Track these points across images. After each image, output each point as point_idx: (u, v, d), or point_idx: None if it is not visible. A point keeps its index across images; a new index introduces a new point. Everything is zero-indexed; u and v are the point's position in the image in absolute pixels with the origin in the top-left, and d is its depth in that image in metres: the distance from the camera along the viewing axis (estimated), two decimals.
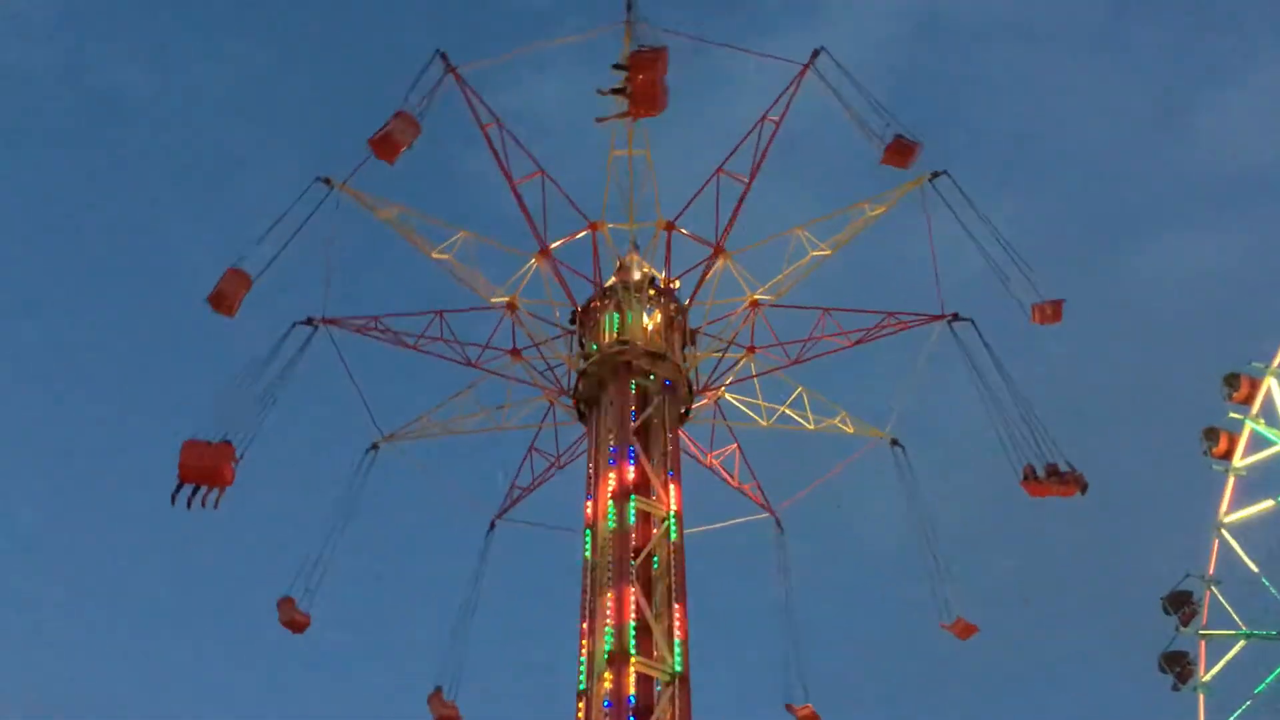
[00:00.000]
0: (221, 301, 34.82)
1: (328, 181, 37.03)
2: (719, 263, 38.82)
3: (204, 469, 33.08)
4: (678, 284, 38.93)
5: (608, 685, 31.19)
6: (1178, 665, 44.64)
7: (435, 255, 39.38)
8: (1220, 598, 44.15)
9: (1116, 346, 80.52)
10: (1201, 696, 43.58)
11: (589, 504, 35.13)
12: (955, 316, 38.45)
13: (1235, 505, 44.79)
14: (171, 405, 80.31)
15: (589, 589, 33.55)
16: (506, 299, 39.91)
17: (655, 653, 31.83)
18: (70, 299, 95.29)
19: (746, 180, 38.64)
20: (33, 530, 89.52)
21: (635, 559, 32.98)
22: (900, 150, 36.95)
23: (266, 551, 76.39)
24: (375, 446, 40.84)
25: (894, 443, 41.16)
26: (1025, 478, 38.52)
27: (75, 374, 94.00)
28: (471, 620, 39.26)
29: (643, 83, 32.80)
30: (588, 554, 34.37)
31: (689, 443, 39.75)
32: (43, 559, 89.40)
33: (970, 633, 40.24)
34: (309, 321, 38.07)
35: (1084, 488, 37.58)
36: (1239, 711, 42.87)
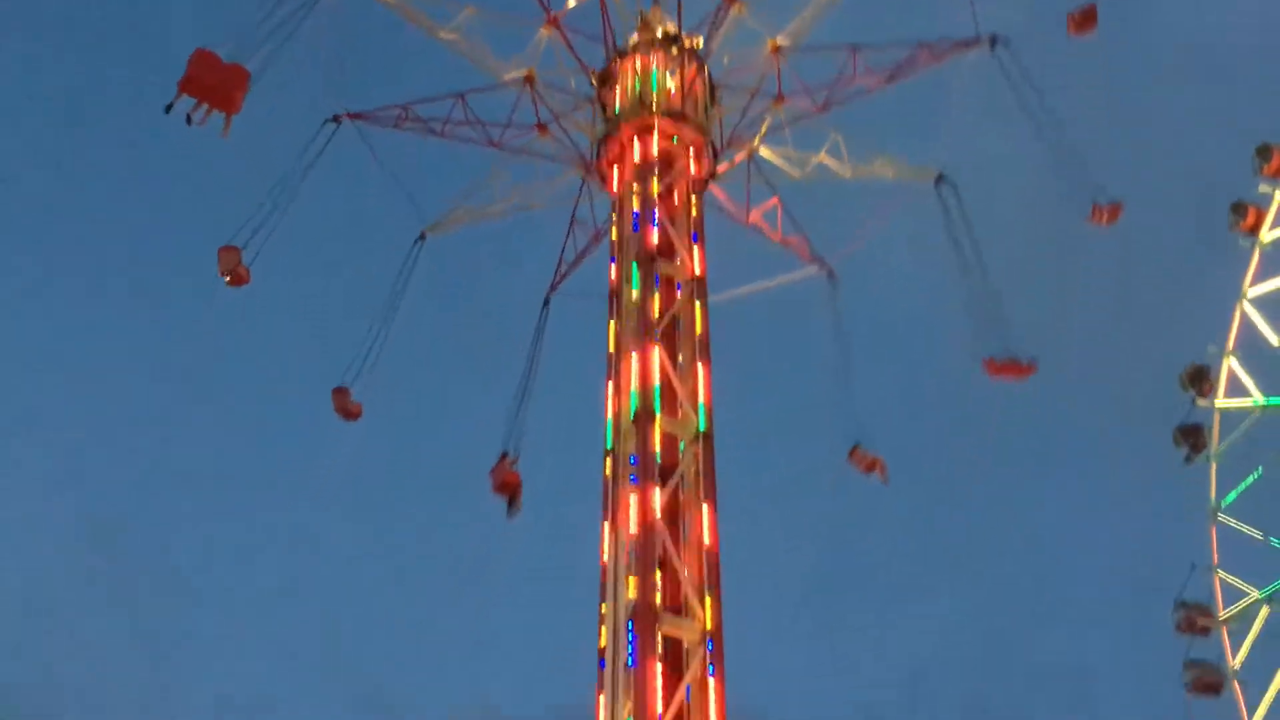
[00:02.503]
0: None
1: None
2: (735, 9, 37.28)
3: (212, 86, 30.64)
4: (700, 43, 37.59)
5: (632, 444, 31.60)
6: (1192, 438, 45.31)
7: (443, 35, 38.09)
8: (1239, 369, 44.45)
9: (1151, 102, 78.43)
10: (1214, 465, 44.42)
11: (613, 268, 34.94)
12: (994, 40, 37.27)
13: (1259, 278, 44.73)
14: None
15: (614, 352, 33.67)
16: (523, 73, 38.81)
17: (680, 412, 32.11)
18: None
19: None
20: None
21: (659, 321, 32.94)
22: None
23: (309, 342, 77.10)
24: (423, 237, 40.76)
25: (940, 179, 40.51)
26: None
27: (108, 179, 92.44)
28: (530, 391, 39.67)
29: None
30: (612, 321, 34.35)
31: (726, 202, 39.12)
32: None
33: (875, 466, 40.79)
34: (335, 119, 37.63)
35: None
36: (1249, 480, 43.77)
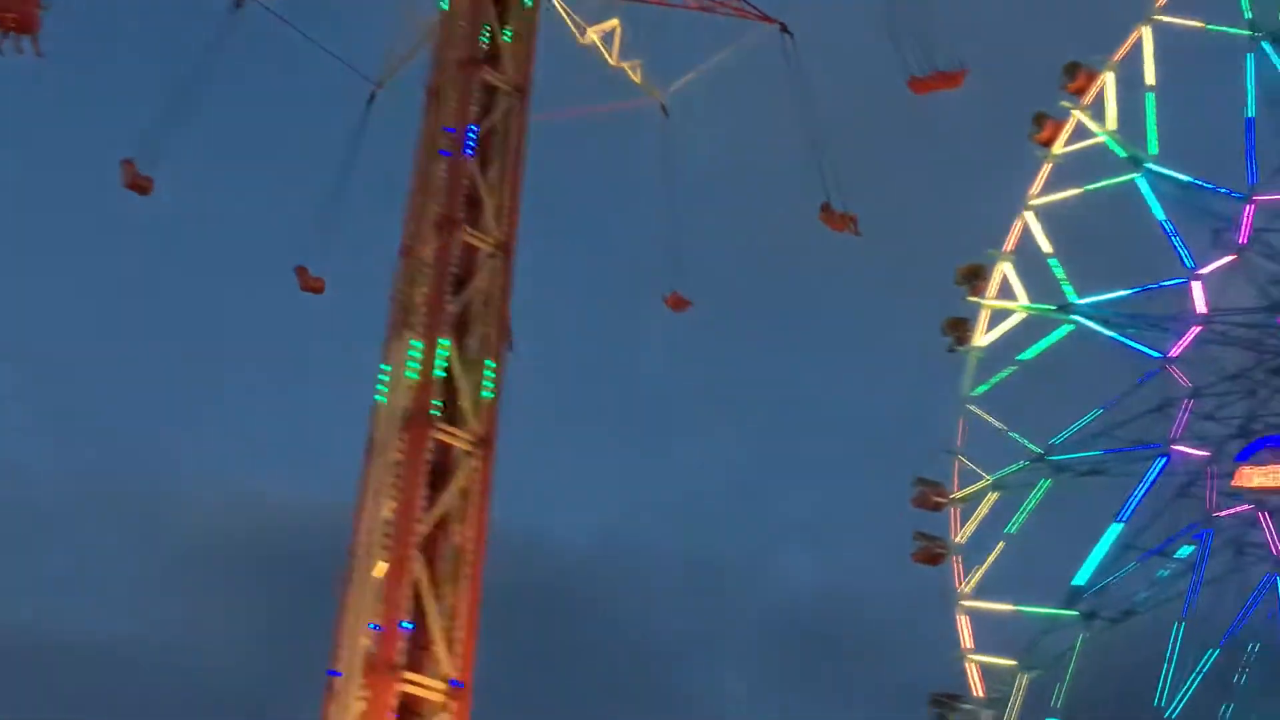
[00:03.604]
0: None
1: None
2: None
3: (5, 7, 29.25)
4: None
5: (432, 250, 30.97)
6: (958, 330, 48.00)
7: None
8: (1011, 274, 47.07)
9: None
10: (973, 359, 47.26)
11: (434, 70, 33.55)
12: None
13: (1045, 190, 47.16)
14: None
15: (424, 156, 32.59)
16: None
17: (483, 223, 31.57)
18: None
19: None
20: None
21: (477, 129, 32.01)
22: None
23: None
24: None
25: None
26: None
27: None
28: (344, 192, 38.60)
29: None
30: (425, 124, 33.14)
31: (565, 15, 37.99)
32: None
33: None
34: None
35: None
36: (1000, 375, 46.85)
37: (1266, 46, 42.26)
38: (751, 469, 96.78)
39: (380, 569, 28.26)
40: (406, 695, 27.92)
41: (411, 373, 29.40)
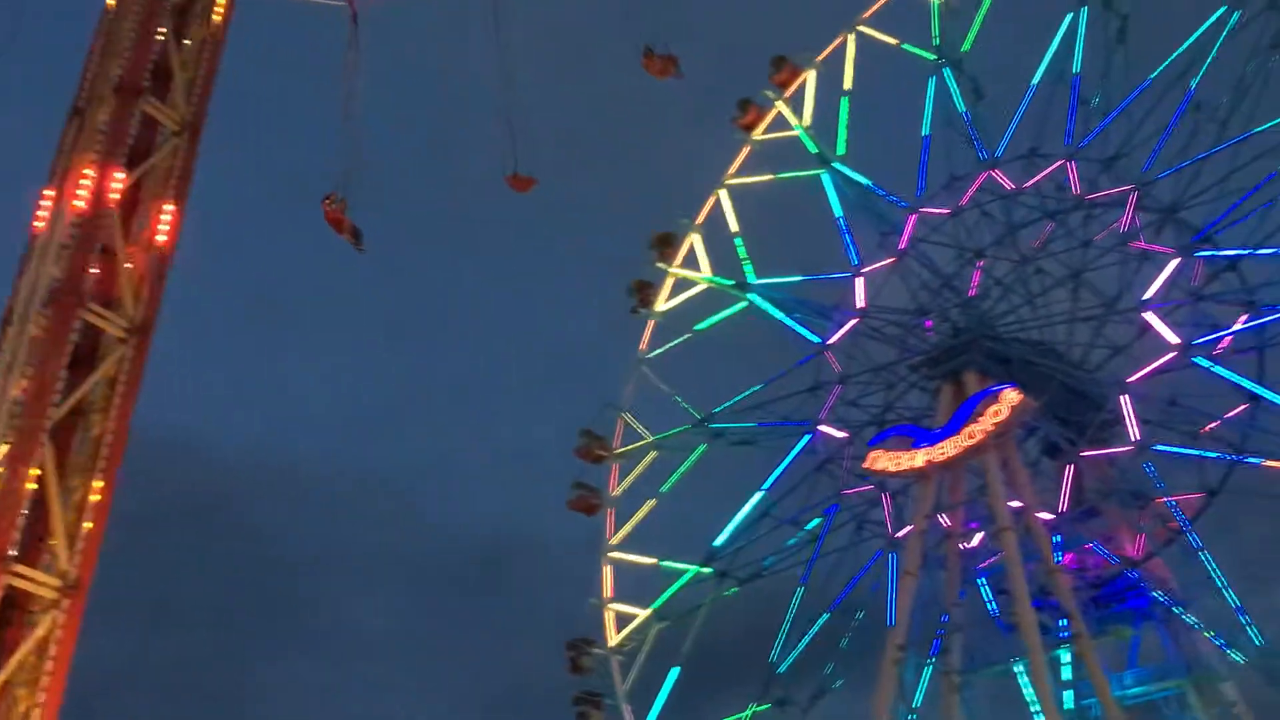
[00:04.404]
0: None
1: None
2: None
3: None
4: None
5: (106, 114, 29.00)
6: (643, 293, 49.71)
7: None
8: (699, 246, 49.15)
9: None
10: (653, 323, 49.07)
11: None
12: None
13: (741, 172, 49.44)
14: None
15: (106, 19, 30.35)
16: None
17: (170, 99, 29.84)
18: None
19: None
20: None
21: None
22: None
23: None
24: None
25: None
26: (646, 54, 41.23)
27: None
28: None
29: None
30: None
31: None
32: None
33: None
34: None
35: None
36: (677, 341, 48.87)
37: (948, 73, 45.98)
38: (429, 389, 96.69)
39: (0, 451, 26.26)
40: (13, 589, 26.00)
41: (80, 201, 27.47)
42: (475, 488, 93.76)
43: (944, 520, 39.73)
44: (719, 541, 44.78)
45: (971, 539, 40.39)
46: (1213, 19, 39.61)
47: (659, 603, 44.58)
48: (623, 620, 44.59)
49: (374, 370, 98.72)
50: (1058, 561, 37.63)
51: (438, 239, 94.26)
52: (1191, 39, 40.10)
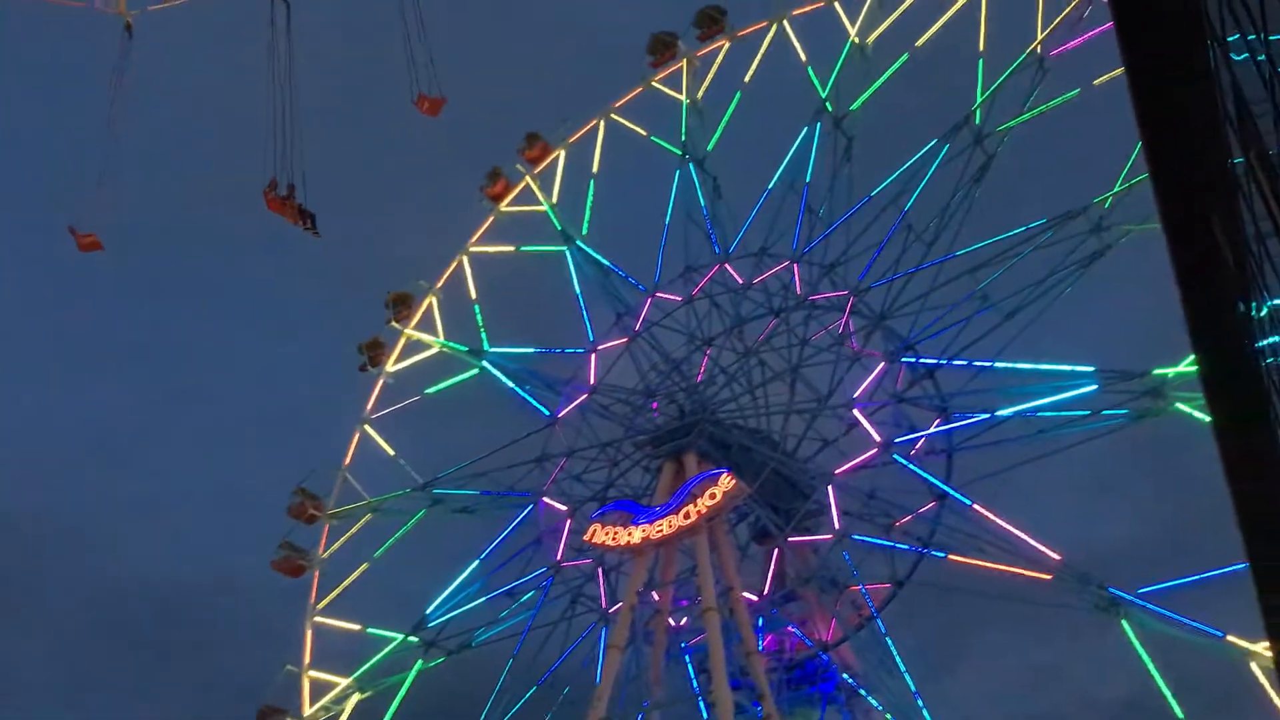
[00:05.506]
0: None
1: None
2: None
3: None
4: None
5: None
6: (373, 351, 48.94)
7: None
8: (435, 309, 48.97)
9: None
10: (381, 381, 48.30)
11: None
12: None
13: (485, 240, 49.80)
14: None
15: None
16: None
17: None
18: None
19: None
20: None
21: None
22: None
23: None
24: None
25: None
26: (270, 189, 38.42)
27: None
28: None
29: None
30: None
31: None
32: None
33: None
34: None
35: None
36: (405, 403, 48.28)
37: (692, 169, 48.05)
38: (125, 430, 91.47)
39: None
40: None
41: None
42: (183, 534, 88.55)
43: (655, 597, 40.54)
44: (430, 609, 44.08)
45: (681, 618, 41.39)
46: (925, 149, 43.16)
47: (360, 671, 43.32)
48: (322, 689, 42.99)
49: (85, 406, 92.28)
50: (760, 642, 39.05)
51: (182, 277, 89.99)
52: (906, 165, 43.51)
